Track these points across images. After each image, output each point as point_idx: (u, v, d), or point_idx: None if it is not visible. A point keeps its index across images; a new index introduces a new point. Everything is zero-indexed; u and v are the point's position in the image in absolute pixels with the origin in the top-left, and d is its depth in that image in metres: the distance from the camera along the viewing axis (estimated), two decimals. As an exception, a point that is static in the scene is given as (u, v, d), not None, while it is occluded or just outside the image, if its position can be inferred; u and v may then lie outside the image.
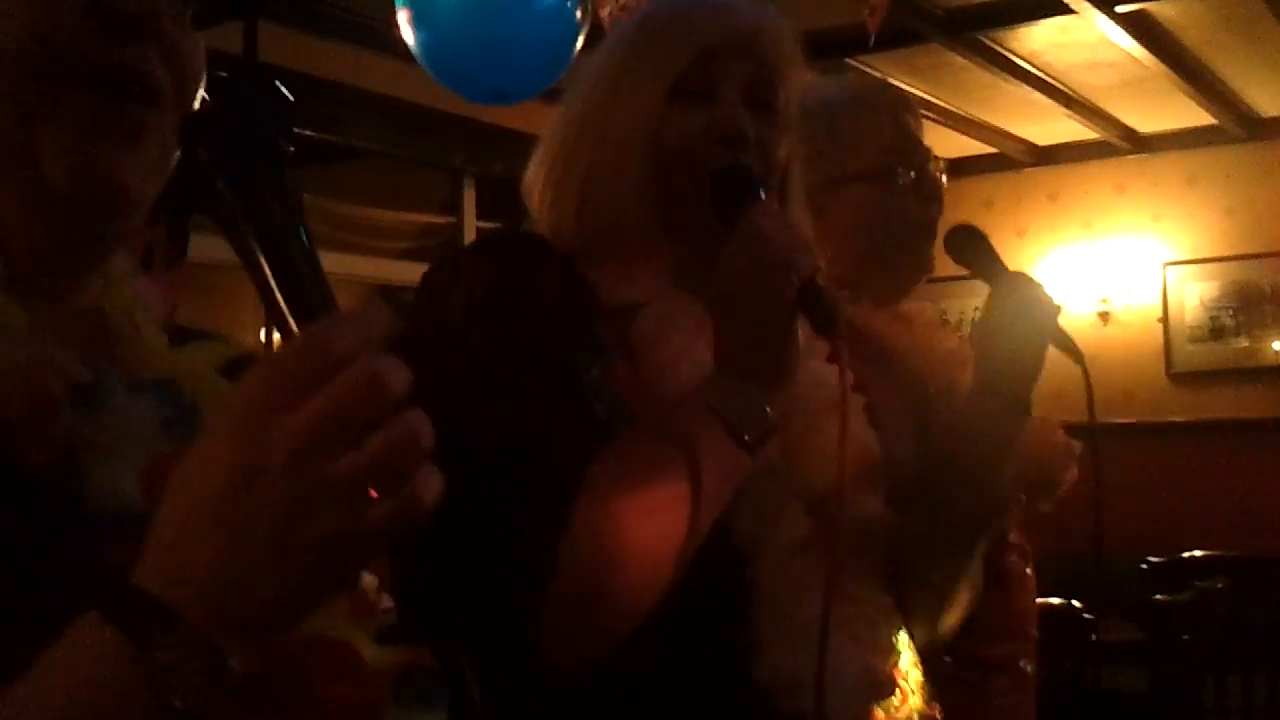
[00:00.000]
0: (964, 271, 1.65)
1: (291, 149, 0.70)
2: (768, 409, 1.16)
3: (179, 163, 0.78)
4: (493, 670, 0.96)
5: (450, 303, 1.19)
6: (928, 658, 1.46)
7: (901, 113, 1.76)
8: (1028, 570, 1.82)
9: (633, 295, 1.23)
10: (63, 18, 0.74)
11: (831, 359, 1.26)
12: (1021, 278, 1.55)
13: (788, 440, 1.24)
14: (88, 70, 0.74)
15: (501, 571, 1.10)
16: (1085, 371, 1.60)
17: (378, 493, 0.59)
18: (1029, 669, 1.80)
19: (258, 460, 0.59)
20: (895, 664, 1.26)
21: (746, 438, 1.15)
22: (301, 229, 0.68)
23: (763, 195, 1.21)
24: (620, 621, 1.10)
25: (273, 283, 0.66)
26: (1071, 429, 1.83)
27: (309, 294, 0.66)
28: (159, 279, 0.86)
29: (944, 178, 1.76)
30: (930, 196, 1.74)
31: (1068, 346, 1.58)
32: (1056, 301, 1.53)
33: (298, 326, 0.65)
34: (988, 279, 1.57)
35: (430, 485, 0.61)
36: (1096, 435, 1.61)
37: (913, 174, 1.72)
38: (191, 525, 0.60)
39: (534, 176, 1.33)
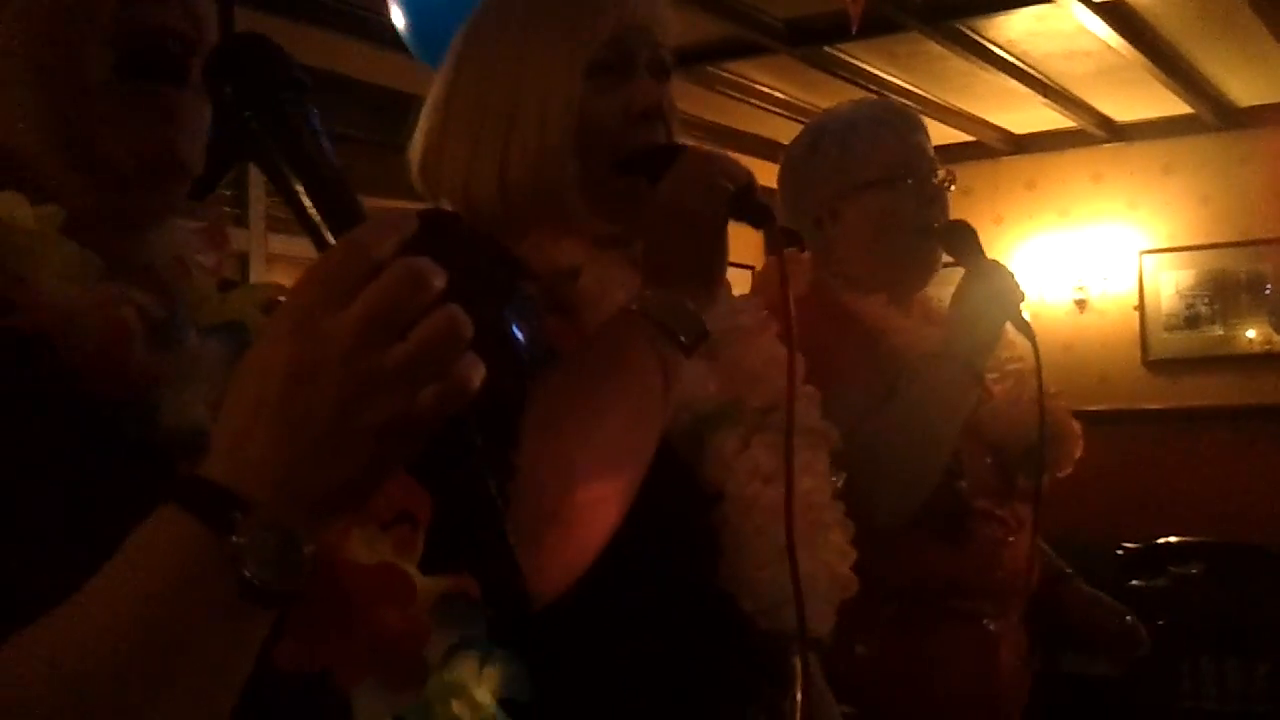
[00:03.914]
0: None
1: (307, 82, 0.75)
2: (699, 314, 1.19)
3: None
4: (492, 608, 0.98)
5: None
6: (875, 601, 1.69)
7: (909, 129, 2.02)
8: (1009, 539, 1.94)
9: (563, 261, 1.25)
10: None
11: (753, 307, 1.35)
12: (994, 264, 1.91)
13: (729, 364, 1.30)
14: (123, 34, 0.79)
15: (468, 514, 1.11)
16: (1036, 350, 1.88)
17: (425, 380, 0.64)
18: (993, 628, 1.91)
19: (314, 358, 0.63)
20: (851, 563, 1.34)
21: (682, 339, 1.17)
22: (327, 148, 0.73)
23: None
24: (587, 536, 1.10)
25: (307, 202, 0.71)
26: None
27: (343, 208, 0.71)
28: (206, 235, 0.92)
29: (951, 186, 2.02)
30: (931, 200, 1.99)
31: (1024, 329, 1.89)
32: (1023, 290, 1.88)
33: (334, 238, 0.70)
34: (966, 264, 1.92)
35: (473, 370, 0.66)
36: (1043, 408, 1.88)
37: (913, 181, 1.96)
38: (255, 422, 0.64)
39: (432, 150, 1.32)
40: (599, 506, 1.11)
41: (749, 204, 1.20)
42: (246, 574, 0.63)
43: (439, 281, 0.65)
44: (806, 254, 2.07)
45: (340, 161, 0.74)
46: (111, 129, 0.79)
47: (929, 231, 1.97)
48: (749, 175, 1.20)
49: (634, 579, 1.16)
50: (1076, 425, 1.99)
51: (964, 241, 1.93)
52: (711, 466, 1.25)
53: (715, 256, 1.21)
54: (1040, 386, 1.88)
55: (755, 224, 1.21)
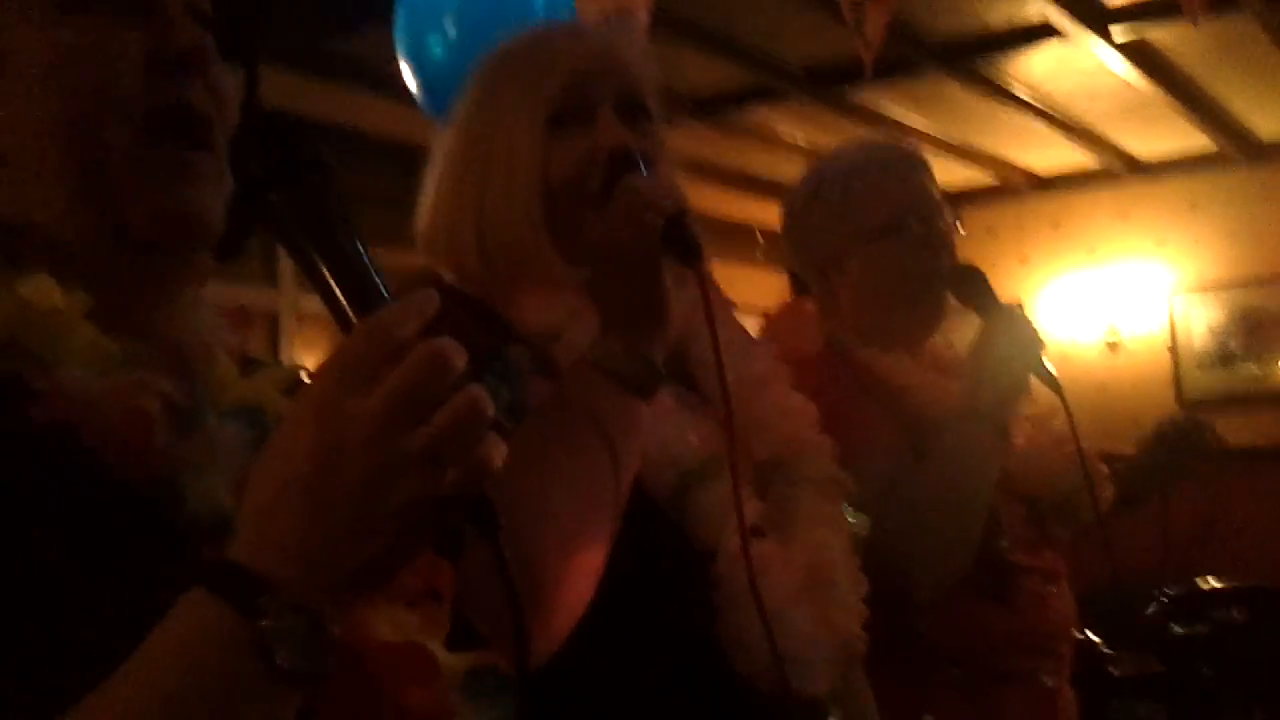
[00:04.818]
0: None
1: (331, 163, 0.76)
2: (650, 356, 1.17)
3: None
4: None
5: None
6: (931, 667, 1.70)
7: (912, 171, 1.92)
8: (1051, 589, 1.87)
9: (550, 321, 1.24)
10: (123, 70, 0.81)
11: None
12: (1011, 312, 1.82)
13: (737, 412, 1.26)
14: (146, 110, 0.81)
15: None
16: (1063, 398, 1.80)
17: (447, 461, 0.65)
18: (1050, 684, 1.84)
19: (338, 442, 0.64)
20: (862, 620, 1.30)
21: (636, 386, 1.15)
22: (352, 229, 0.74)
23: (643, 170, 1.22)
24: (563, 597, 1.07)
25: (331, 282, 0.72)
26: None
27: (366, 288, 0.72)
28: (227, 313, 0.93)
29: (959, 226, 1.94)
30: (940, 246, 1.90)
31: (1048, 379, 1.79)
32: (1041, 338, 1.79)
33: (358, 319, 0.70)
34: (982, 313, 1.83)
35: (495, 451, 0.67)
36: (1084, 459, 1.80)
37: (918, 225, 1.87)
38: (281, 505, 0.65)
39: (426, 216, 1.34)
40: (568, 568, 1.08)
41: (679, 238, 1.15)
42: (274, 657, 0.63)
43: (461, 362, 0.66)
44: (810, 305, 2.01)
45: (364, 224, 0.74)
46: (136, 192, 0.81)
47: (938, 278, 1.89)
48: (678, 205, 1.16)
49: (630, 644, 1.14)
50: (1104, 468, 1.93)
51: (976, 288, 1.85)
52: (701, 523, 1.21)
53: (657, 293, 1.18)
54: (1074, 430, 1.81)
55: (683, 261, 1.16)
